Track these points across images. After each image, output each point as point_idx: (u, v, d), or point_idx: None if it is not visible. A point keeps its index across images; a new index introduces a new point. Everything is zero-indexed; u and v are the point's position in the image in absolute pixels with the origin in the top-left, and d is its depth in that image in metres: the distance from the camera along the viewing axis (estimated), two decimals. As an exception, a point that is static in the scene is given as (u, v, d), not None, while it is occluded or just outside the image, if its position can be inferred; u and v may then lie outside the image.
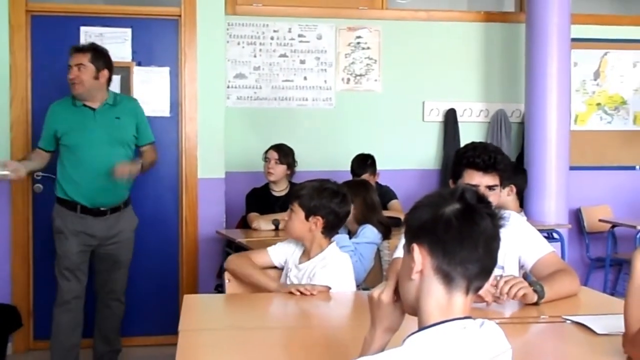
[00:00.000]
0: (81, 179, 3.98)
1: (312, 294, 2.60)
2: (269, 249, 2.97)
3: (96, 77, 3.96)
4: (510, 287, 2.34)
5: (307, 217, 2.78)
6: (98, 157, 3.94)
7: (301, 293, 2.61)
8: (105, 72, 4.01)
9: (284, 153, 4.74)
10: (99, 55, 4.00)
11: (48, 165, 4.15)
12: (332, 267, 2.75)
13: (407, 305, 1.46)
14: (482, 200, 1.42)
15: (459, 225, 1.37)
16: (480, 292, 2.36)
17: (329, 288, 2.65)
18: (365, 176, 4.80)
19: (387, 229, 3.88)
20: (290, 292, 2.64)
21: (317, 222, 2.78)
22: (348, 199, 2.88)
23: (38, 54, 4.73)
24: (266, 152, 4.77)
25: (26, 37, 4.68)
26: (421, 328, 1.39)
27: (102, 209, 4.02)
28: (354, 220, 3.75)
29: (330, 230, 2.83)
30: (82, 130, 3.96)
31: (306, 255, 2.85)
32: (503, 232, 2.64)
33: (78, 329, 4.13)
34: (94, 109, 4.01)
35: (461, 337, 1.36)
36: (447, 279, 1.38)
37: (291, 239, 2.94)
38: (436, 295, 1.39)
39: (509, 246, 2.67)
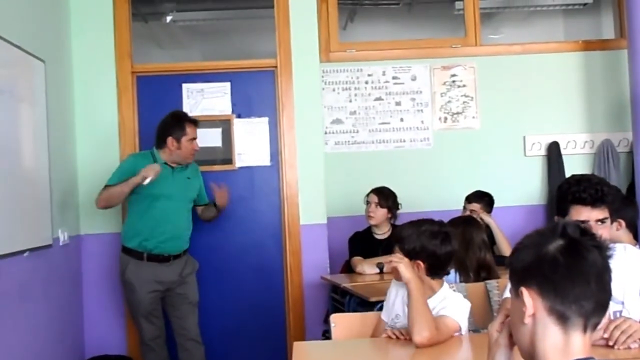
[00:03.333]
0: (155, 228, 4.24)
1: (406, 339, 2.58)
2: (382, 315, 2.95)
3: None
4: (621, 334, 2.23)
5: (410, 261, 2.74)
6: (172, 208, 4.27)
7: (397, 337, 2.60)
8: None
9: (384, 196, 4.73)
10: None
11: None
12: (453, 306, 2.68)
13: (523, 351, 1.41)
14: (586, 233, 1.37)
15: (566, 262, 1.33)
16: (593, 342, 2.27)
17: None
18: (475, 206, 4.74)
19: (488, 270, 3.72)
20: (388, 337, 2.63)
21: (419, 267, 2.72)
22: (450, 238, 2.78)
23: (144, 111, 4.94)
24: (367, 195, 4.77)
25: (132, 96, 4.90)
26: None
27: (165, 255, 4.28)
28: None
29: (435, 273, 2.76)
30: (163, 184, 4.21)
31: None
32: (621, 267, 2.55)
33: None
34: (173, 167, 4.31)
35: None
36: (562, 319, 1.33)
37: (392, 285, 2.91)
38: (553, 337, 1.34)
39: (629, 281, 2.56)
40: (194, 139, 4.34)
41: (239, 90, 4.99)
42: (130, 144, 4.87)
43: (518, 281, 1.38)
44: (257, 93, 5.01)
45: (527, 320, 1.36)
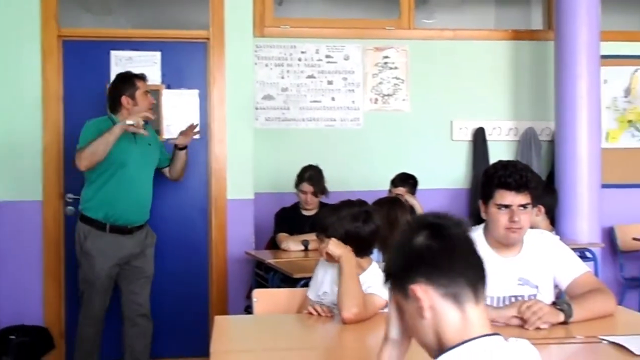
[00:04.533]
0: (120, 197, 4.10)
1: (327, 316, 2.61)
2: (308, 292, 2.95)
3: None
4: (532, 315, 2.31)
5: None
6: (138, 176, 4.16)
7: (318, 314, 2.62)
8: None
9: (319, 185, 4.74)
10: None
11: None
12: (381, 284, 2.70)
13: (430, 349, 1.42)
14: (440, 216, 1.44)
15: (438, 244, 1.39)
16: (505, 321, 2.35)
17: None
18: (401, 190, 4.81)
19: None
20: (310, 313, 2.65)
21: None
22: (372, 216, 2.80)
23: (70, 78, 4.80)
24: (299, 183, 4.77)
25: (58, 61, 4.76)
26: (450, 347, 1.36)
27: (129, 227, 4.15)
28: None
29: (362, 253, 2.78)
30: (127, 151, 4.07)
31: None
32: (537, 252, 2.63)
33: (98, 341, 4.27)
34: (134, 134, 4.12)
35: (493, 354, 1.34)
36: (456, 297, 1.37)
37: (320, 264, 2.92)
38: (452, 319, 1.37)
39: (543, 266, 2.64)
40: (147, 92, 4.25)
41: (170, 60, 4.90)
42: (55, 111, 4.73)
43: (403, 284, 1.41)
44: (188, 64, 4.93)
45: (427, 314, 1.38)
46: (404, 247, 1.43)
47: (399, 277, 1.43)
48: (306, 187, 4.74)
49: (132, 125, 3.97)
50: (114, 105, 4.21)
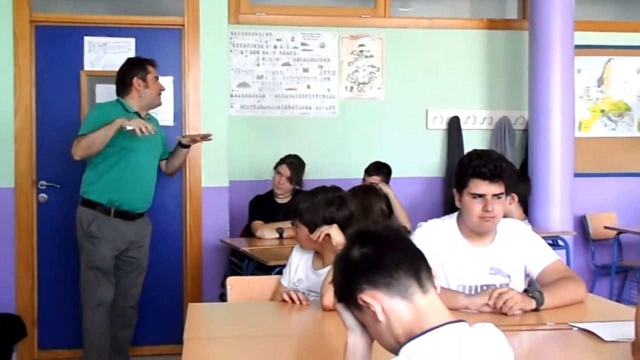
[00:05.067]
0: (126, 183, 4.04)
1: (302, 304, 2.61)
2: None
3: None
4: (504, 303, 2.34)
5: (311, 232, 2.76)
6: (145, 163, 4.13)
7: (292, 301, 2.62)
8: None
9: (296, 171, 4.75)
10: None
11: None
12: None
13: (393, 348, 1.44)
14: (365, 226, 1.52)
15: (373, 249, 1.44)
16: (477, 308, 2.37)
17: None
18: (375, 179, 4.83)
19: None
20: (284, 300, 2.65)
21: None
22: (346, 202, 2.83)
23: (42, 63, 4.74)
24: (279, 164, 4.77)
25: (30, 47, 4.69)
26: (414, 336, 1.39)
27: (133, 213, 4.12)
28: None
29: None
30: (134, 137, 3.97)
31: (321, 260, 2.83)
32: (510, 242, 2.66)
33: (108, 332, 4.15)
34: (142, 118, 4.10)
35: (458, 340, 1.36)
36: (402, 292, 1.41)
37: (294, 250, 2.93)
38: (405, 313, 1.41)
39: (515, 255, 2.66)
40: (157, 77, 4.20)
41: (144, 47, 4.84)
42: (27, 97, 4.67)
43: (353, 297, 1.45)
44: (162, 51, 4.89)
45: (381, 317, 1.41)
46: (343, 265, 1.48)
47: (346, 293, 1.47)
48: (284, 169, 4.75)
49: (132, 130, 3.89)
50: (124, 88, 4.14)
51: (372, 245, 1.45)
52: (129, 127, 3.87)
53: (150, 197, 4.25)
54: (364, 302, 1.42)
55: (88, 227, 4.04)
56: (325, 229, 2.69)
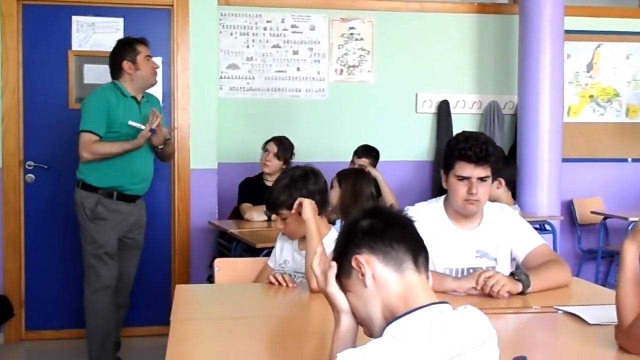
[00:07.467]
0: (127, 167, 3.99)
1: (288, 286, 2.62)
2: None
3: None
4: (492, 286, 2.35)
5: (299, 214, 2.75)
6: (145, 147, 4.03)
7: (279, 283, 2.63)
8: None
9: (284, 148, 4.73)
10: None
11: None
12: None
13: (374, 324, 1.46)
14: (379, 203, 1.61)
15: (380, 221, 1.50)
16: (464, 291, 2.38)
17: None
18: (364, 161, 4.84)
19: None
20: (270, 282, 2.65)
21: None
22: (318, 173, 2.85)
23: (29, 43, 4.71)
24: (267, 142, 4.76)
25: (17, 26, 4.65)
26: (399, 316, 1.40)
27: (133, 195, 4.08)
28: (338, 209, 3.68)
29: (322, 208, 2.79)
30: (135, 120, 3.94)
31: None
32: (497, 226, 2.67)
33: (113, 314, 4.11)
34: (139, 102, 4.05)
35: (442, 322, 1.36)
36: (397, 264, 1.44)
37: (281, 234, 2.93)
38: (394, 286, 1.44)
39: (501, 239, 2.67)
40: (149, 56, 4.09)
41: (133, 27, 4.81)
42: (14, 76, 4.64)
43: (348, 258, 1.47)
44: (151, 31, 4.83)
45: (369, 282, 1.44)
46: (350, 228, 1.52)
47: (344, 252, 1.49)
48: (272, 146, 4.74)
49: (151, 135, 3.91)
50: (116, 72, 4.05)
51: (382, 218, 1.51)
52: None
53: (149, 180, 4.19)
54: (358, 263, 1.45)
55: (94, 210, 3.98)
56: (301, 199, 2.68)
